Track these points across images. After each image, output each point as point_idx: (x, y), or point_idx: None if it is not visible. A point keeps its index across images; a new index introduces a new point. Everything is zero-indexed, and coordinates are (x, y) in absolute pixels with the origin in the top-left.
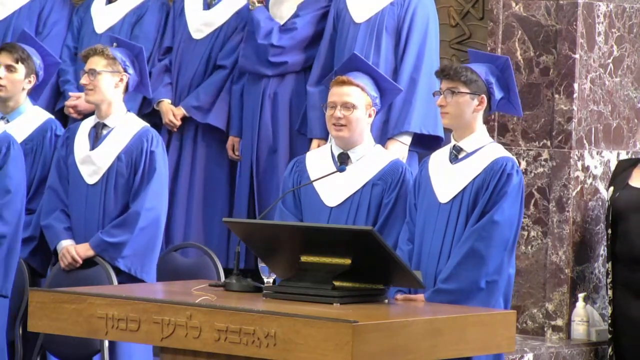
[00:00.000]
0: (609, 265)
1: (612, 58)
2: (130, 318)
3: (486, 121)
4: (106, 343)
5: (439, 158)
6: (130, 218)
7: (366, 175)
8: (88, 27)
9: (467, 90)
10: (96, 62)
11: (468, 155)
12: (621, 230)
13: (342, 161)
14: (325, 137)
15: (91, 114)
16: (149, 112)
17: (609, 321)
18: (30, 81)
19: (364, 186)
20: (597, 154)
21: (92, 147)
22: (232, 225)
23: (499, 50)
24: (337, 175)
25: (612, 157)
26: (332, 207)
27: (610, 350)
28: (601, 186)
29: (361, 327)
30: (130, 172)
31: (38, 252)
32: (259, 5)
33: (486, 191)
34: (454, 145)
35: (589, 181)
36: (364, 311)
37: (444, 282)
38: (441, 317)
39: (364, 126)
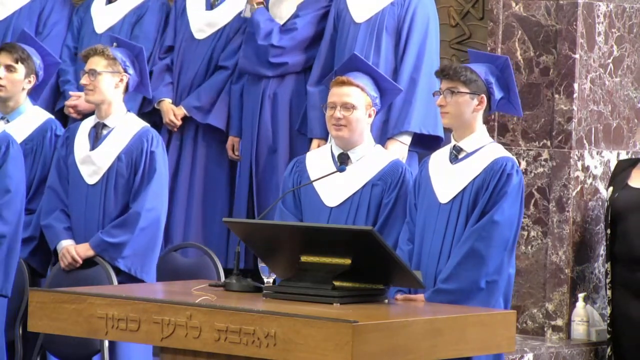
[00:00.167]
0: (608, 265)
1: (612, 58)
2: (130, 318)
3: (486, 121)
4: (106, 343)
5: (439, 158)
6: (130, 218)
7: (366, 175)
8: (88, 27)
9: (467, 90)
10: (96, 63)
11: (468, 155)
12: (620, 230)
13: (342, 161)
14: (325, 137)
15: (91, 114)
16: (149, 111)
17: (608, 321)
18: (30, 81)
19: (363, 186)
20: (597, 154)
21: (92, 147)
22: (232, 225)
23: (499, 50)
24: (337, 176)
25: (612, 157)
26: (332, 207)
27: (609, 350)
28: (601, 186)
29: (361, 327)
30: (131, 172)
31: (38, 252)
32: (259, 6)
33: (486, 191)
34: (454, 145)
35: (589, 181)
36: (364, 311)
37: (444, 282)
38: (441, 317)
39: (364, 126)
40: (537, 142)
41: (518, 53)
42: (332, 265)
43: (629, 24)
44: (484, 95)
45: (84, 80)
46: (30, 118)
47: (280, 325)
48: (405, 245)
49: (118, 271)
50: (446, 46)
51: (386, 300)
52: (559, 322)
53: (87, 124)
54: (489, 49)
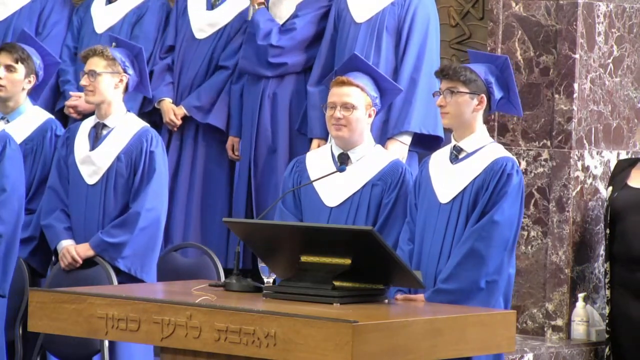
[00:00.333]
0: (607, 265)
1: (612, 58)
2: (130, 318)
3: (486, 121)
4: (106, 343)
5: (439, 158)
6: (130, 218)
7: (366, 175)
8: (88, 27)
9: (467, 90)
10: (96, 63)
11: (468, 155)
12: (619, 230)
13: (342, 161)
14: (325, 137)
15: (91, 114)
16: (150, 111)
17: (607, 321)
18: (30, 81)
19: (363, 186)
20: (597, 154)
21: (92, 148)
22: (232, 225)
23: (499, 50)
24: (337, 176)
25: (612, 157)
26: (332, 207)
27: (607, 350)
28: (601, 186)
29: (361, 327)
30: (130, 172)
31: (38, 252)
32: (260, 6)
33: (486, 191)
34: (454, 146)
35: (589, 181)
36: (364, 311)
37: (444, 282)
38: (441, 317)
39: (363, 126)
40: (537, 142)
41: (518, 53)
42: (332, 265)
43: (629, 24)
44: (483, 95)
45: (83, 81)
46: (30, 118)
47: (280, 325)
48: (405, 245)
49: (118, 271)
50: (446, 46)
51: (386, 300)
52: (559, 322)
53: (87, 124)
54: (489, 49)
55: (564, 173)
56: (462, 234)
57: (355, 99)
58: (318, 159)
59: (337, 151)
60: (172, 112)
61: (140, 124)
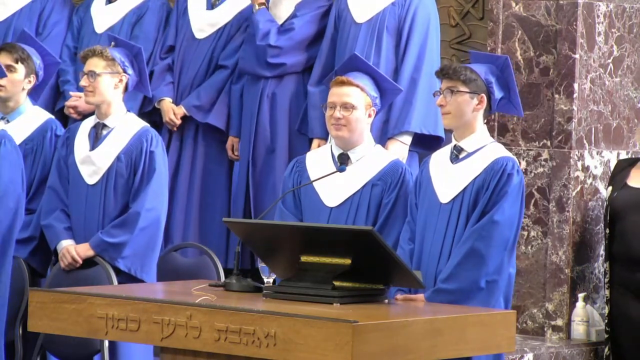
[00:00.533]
0: (606, 265)
1: (612, 58)
2: (130, 318)
3: (486, 121)
4: (106, 343)
5: (439, 158)
6: (130, 218)
7: (366, 175)
8: (88, 27)
9: (467, 90)
10: (95, 64)
11: (469, 155)
12: (618, 230)
13: (342, 161)
14: (325, 137)
15: (91, 114)
16: (150, 111)
17: (606, 321)
18: (30, 81)
19: (363, 186)
20: (597, 154)
21: (92, 148)
22: (232, 225)
23: (499, 50)
24: (337, 176)
25: (612, 157)
26: (332, 207)
27: (607, 350)
28: (601, 186)
29: (361, 327)
30: (130, 172)
31: (38, 252)
32: (260, 7)
33: (486, 191)
34: (455, 145)
35: (589, 181)
36: (364, 311)
37: (444, 281)
38: (441, 317)
39: (363, 126)
40: (537, 142)
41: (518, 53)
42: (332, 265)
43: (629, 24)
44: (483, 95)
45: (83, 81)
46: (30, 118)
47: (280, 325)
48: (406, 245)
49: (118, 271)
50: (446, 46)
51: (386, 300)
52: (559, 322)
53: (87, 124)
54: (489, 49)
55: (564, 173)
56: (463, 234)
57: (355, 99)
58: (318, 159)
59: (337, 151)
60: (172, 111)
61: (140, 123)
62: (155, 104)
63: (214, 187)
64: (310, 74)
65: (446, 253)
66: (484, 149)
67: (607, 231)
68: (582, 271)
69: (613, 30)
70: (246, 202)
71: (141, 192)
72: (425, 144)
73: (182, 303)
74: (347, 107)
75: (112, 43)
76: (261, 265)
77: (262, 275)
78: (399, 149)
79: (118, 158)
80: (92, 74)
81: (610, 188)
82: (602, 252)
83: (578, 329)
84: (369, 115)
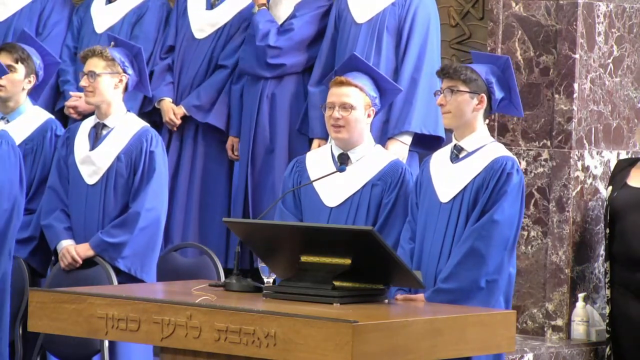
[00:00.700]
0: (607, 265)
1: (612, 58)
2: (130, 318)
3: (487, 121)
4: (106, 343)
5: (440, 157)
6: (130, 218)
7: (366, 175)
8: (88, 27)
9: (467, 89)
10: (95, 64)
11: (469, 154)
12: (618, 230)
13: (342, 161)
14: (326, 137)
15: (91, 114)
16: (150, 111)
17: (607, 321)
18: (30, 81)
19: (363, 186)
20: (597, 154)
21: (92, 148)
22: (232, 225)
23: (499, 50)
24: (337, 176)
25: (612, 157)
26: (332, 207)
27: (608, 350)
28: (601, 186)
29: (361, 327)
30: (130, 172)
31: (38, 252)
32: (262, 7)
33: (486, 190)
34: (455, 145)
35: (589, 181)
36: (364, 311)
37: (444, 281)
38: (441, 317)
39: (362, 126)
40: (537, 142)
41: (518, 53)
42: (332, 265)
43: (629, 24)
44: (484, 95)
45: (83, 82)
46: (30, 118)
47: (280, 325)
48: (407, 244)
49: (118, 271)
50: (446, 46)
51: (386, 300)
52: (559, 322)
53: (87, 124)
54: (489, 49)
55: (564, 173)
56: (463, 233)
57: (354, 99)
58: (318, 159)
59: (337, 151)
60: (172, 111)
61: (140, 123)
62: (155, 104)
63: (213, 187)
64: (310, 75)
65: (446, 252)
66: (484, 149)
67: (607, 231)
68: (582, 271)
69: (613, 30)
70: (246, 202)
71: (141, 192)
72: (425, 144)
73: (182, 303)
74: (346, 107)
75: (112, 43)
76: (261, 265)
77: (262, 275)
78: (399, 149)
79: (118, 158)
80: (92, 74)
81: (610, 188)
82: (602, 252)
83: (578, 329)
84: (368, 116)
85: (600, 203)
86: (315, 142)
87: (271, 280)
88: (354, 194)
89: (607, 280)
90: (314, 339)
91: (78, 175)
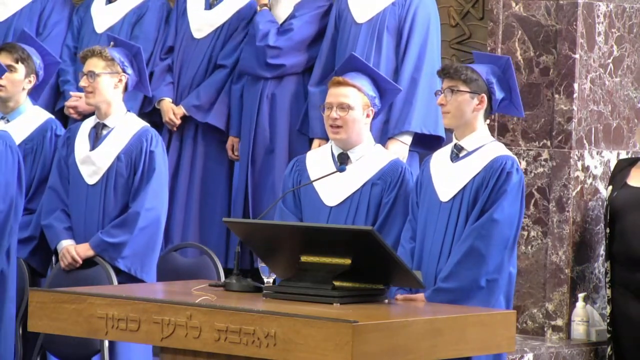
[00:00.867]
0: (607, 264)
1: (612, 58)
2: (130, 318)
3: (487, 121)
4: (106, 343)
5: (440, 157)
6: (130, 218)
7: (366, 174)
8: (88, 26)
9: (467, 89)
10: (95, 64)
11: (469, 153)
12: (618, 230)
13: (342, 161)
14: (326, 137)
15: (91, 114)
16: (150, 111)
17: (608, 321)
18: (30, 81)
19: (363, 186)
20: (597, 154)
21: (92, 148)
22: (232, 225)
23: (499, 50)
24: (337, 175)
25: (612, 157)
26: (331, 207)
27: (609, 349)
28: (601, 186)
29: (361, 327)
30: (130, 172)
31: (38, 252)
32: (263, 8)
33: (486, 189)
34: (455, 144)
35: (589, 181)
36: (364, 311)
37: (444, 281)
38: (441, 317)
39: (361, 126)
40: (537, 142)
41: (518, 53)
42: (332, 265)
43: (629, 24)
44: (484, 95)
45: (83, 82)
46: (30, 118)
47: (280, 325)
48: (407, 244)
49: (118, 271)
50: (446, 46)
51: (386, 300)
52: (559, 322)
53: (88, 124)
54: (489, 49)
55: (564, 173)
56: (463, 232)
57: (352, 99)
58: (318, 159)
59: (337, 151)
60: (172, 111)
61: (140, 123)
62: (155, 104)
63: (213, 187)
64: (310, 75)
65: (446, 252)
66: (483, 148)
67: (607, 231)
68: (582, 271)
69: (613, 30)
70: (246, 202)
71: (141, 191)
72: (425, 144)
73: (182, 303)
74: (344, 107)
75: (112, 43)
76: (261, 265)
77: (262, 275)
78: (399, 148)
79: (118, 158)
80: (92, 74)
81: (610, 188)
82: (602, 252)
83: (578, 329)
84: (367, 116)
85: (600, 203)
86: (316, 142)
87: (271, 280)
88: (354, 193)
89: (607, 280)
90: (314, 339)
91: (78, 175)
